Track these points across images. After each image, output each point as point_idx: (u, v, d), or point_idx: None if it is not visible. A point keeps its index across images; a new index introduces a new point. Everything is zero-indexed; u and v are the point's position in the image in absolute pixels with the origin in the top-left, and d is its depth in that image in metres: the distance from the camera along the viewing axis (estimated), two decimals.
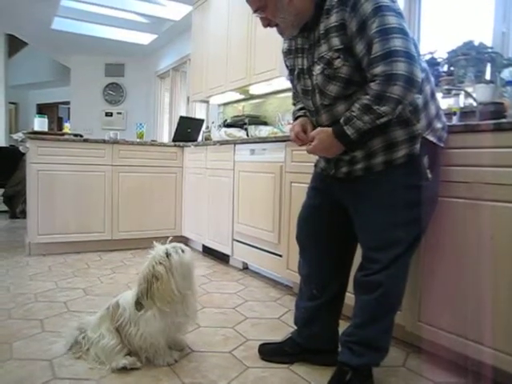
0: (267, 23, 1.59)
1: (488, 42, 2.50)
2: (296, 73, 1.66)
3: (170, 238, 1.83)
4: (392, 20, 1.34)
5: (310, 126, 1.66)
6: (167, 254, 1.71)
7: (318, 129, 1.57)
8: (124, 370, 1.72)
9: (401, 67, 1.31)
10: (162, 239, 1.80)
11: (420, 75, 1.35)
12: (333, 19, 1.44)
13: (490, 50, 2.41)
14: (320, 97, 1.56)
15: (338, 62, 1.45)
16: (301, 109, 1.78)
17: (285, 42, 1.72)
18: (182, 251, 1.76)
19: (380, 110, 1.37)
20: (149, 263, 1.71)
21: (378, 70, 1.34)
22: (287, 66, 1.75)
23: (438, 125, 1.56)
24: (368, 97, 1.38)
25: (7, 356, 1.84)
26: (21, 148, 3.96)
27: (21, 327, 2.15)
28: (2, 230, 5.23)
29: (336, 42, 1.44)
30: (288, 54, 1.71)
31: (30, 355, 1.85)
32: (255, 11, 1.56)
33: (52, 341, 1.98)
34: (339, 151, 1.53)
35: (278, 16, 1.53)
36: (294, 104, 1.88)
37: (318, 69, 1.52)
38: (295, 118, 1.78)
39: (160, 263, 1.69)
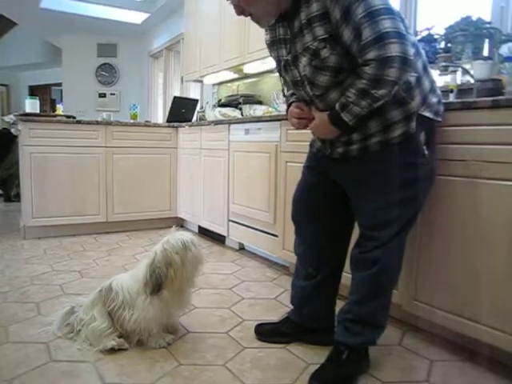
0: (240, 11, 1.54)
1: (487, 16, 2.45)
2: (282, 64, 1.62)
3: (174, 227, 1.84)
4: (376, 1, 1.30)
5: (306, 107, 1.63)
6: (185, 246, 1.72)
7: (318, 112, 1.56)
8: (112, 350, 1.73)
9: (394, 49, 1.27)
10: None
11: (412, 53, 1.31)
12: (314, 8, 1.39)
13: (488, 26, 2.37)
14: (311, 87, 1.53)
15: (325, 52, 1.41)
16: (293, 94, 1.75)
17: (266, 33, 1.67)
18: (198, 245, 1.80)
19: (378, 93, 1.34)
20: (165, 249, 1.71)
21: (372, 54, 1.30)
22: (273, 58, 1.71)
23: (434, 99, 1.53)
24: (364, 81, 1.34)
25: (3, 339, 1.83)
26: (12, 130, 3.91)
27: (16, 310, 2.14)
28: None
29: (320, 31, 1.40)
30: (271, 45, 1.66)
31: (26, 338, 1.85)
32: None
33: (48, 323, 1.97)
34: (335, 135, 1.52)
35: (251, 5, 1.48)
36: (283, 92, 1.84)
37: (304, 60, 1.48)
38: (289, 104, 1.75)
39: (177, 253, 1.70)
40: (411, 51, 1.30)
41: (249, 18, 1.56)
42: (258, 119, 3.07)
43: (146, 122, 4.60)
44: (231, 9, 1.56)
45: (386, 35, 1.27)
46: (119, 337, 1.77)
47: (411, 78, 1.43)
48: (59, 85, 8.81)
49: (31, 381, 1.54)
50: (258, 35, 3.54)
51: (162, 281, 1.70)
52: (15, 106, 9.97)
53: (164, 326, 1.85)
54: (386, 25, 1.28)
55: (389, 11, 1.30)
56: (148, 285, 1.71)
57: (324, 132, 1.54)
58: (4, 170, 6.03)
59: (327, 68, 1.43)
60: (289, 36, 1.53)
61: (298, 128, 1.70)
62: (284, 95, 1.84)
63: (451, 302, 1.74)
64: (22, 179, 3.73)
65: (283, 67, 1.63)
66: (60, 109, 4.75)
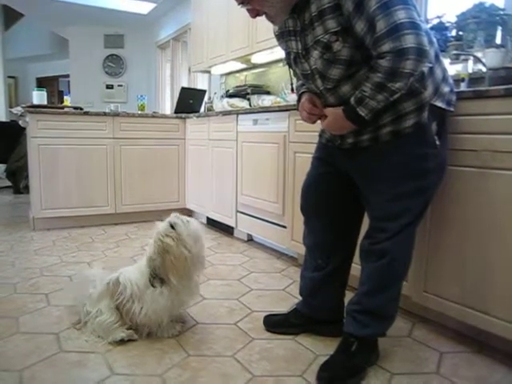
0: (255, 14, 1.52)
1: (500, 3, 2.40)
2: (292, 57, 1.60)
3: (173, 212, 1.80)
4: None
5: (319, 100, 1.60)
6: (171, 225, 1.69)
7: (330, 109, 1.53)
8: (122, 342, 1.73)
9: (410, 40, 1.24)
10: (166, 212, 1.78)
11: (427, 43, 1.28)
12: (325, 0, 1.37)
13: (501, 13, 2.32)
14: (322, 81, 1.50)
15: (337, 45, 1.38)
16: (303, 84, 1.72)
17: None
18: (187, 221, 1.74)
19: (394, 86, 1.31)
20: (155, 239, 1.70)
21: (387, 46, 1.27)
22: (283, 49, 1.68)
23: (446, 88, 1.51)
24: (380, 74, 1.31)
25: (14, 330, 1.85)
26: (20, 122, 3.92)
27: (26, 301, 2.15)
28: (6, 206, 5.24)
29: (332, 24, 1.37)
30: (280, 37, 1.64)
31: (36, 329, 1.86)
32: (240, 3, 1.49)
33: (57, 314, 1.99)
34: (349, 130, 1.50)
35: (265, 5, 1.46)
36: (292, 84, 1.81)
37: (315, 53, 1.45)
38: (299, 95, 1.72)
39: (167, 235, 1.67)
40: (426, 41, 1.27)
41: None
42: (267, 109, 3.05)
43: (154, 113, 4.60)
44: None
45: (400, 26, 1.24)
46: (128, 329, 1.77)
47: (424, 67, 1.41)
48: (67, 76, 8.83)
49: (41, 371, 1.55)
50: (267, 25, 3.49)
51: (160, 271, 1.69)
52: (23, 98, 9.99)
53: (173, 317, 1.85)
54: (401, 15, 1.25)
55: (402, 1, 1.27)
56: (151, 278, 1.71)
57: (338, 127, 1.51)
58: (13, 162, 6.06)
59: (340, 61, 1.41)
60: (298, 28, 1.50)
61: (306, 121, 1.68)
62: (292, 87, 1.82)
63: (461, 294, 1.72)
64: (30, 171, 3.74)
65: (293, 60, 1.60)
66: (67, 100, 4.77)
